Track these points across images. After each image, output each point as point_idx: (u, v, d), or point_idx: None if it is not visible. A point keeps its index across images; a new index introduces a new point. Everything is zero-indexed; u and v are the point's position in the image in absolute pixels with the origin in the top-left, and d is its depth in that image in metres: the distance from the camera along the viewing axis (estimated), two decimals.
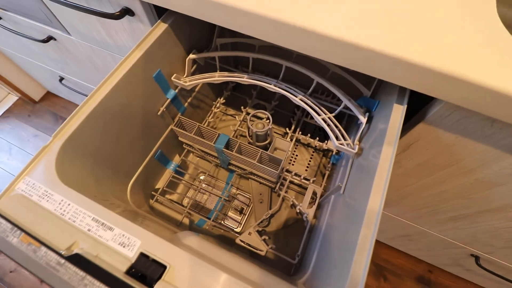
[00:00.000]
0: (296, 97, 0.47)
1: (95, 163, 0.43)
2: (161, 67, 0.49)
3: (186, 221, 0.63)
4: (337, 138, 0.44)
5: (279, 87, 0.48)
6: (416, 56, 0.29)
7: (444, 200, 0.54)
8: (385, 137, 0.34)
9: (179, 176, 0.66)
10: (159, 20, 0.46)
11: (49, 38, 0.72)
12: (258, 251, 0.52)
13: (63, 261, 0.27)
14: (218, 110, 0.73)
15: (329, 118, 0.46)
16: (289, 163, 0.69)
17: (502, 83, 0.27)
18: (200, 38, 0.56)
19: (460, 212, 0.55)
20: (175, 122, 0.57)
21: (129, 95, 0.44)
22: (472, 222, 0.56)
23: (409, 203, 0.62)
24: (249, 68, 0.52)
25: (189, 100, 0.62)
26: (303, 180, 0.59)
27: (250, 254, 0.54)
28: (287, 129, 0.65)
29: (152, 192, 0.61)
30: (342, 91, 0.46)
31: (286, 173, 0.59)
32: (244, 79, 0.49)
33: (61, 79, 1.00)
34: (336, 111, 0.47)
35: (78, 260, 0.27)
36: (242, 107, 0.69)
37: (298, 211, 0.56)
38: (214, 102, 0.73)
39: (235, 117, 0.77)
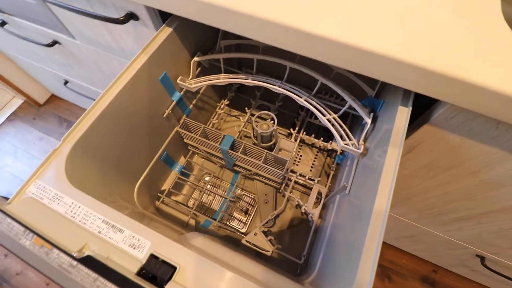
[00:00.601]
0: (301, 98, 0.47)
1: (103, 166, 0.44)
2: (167, 70, 0.49)
3: (192, 222, 0.63)
4: (342, 138, 0.45)
5: (284, 88, 0.48)
6: (421, 59, 0.29)
7: (449, 201, 0.54)
8: (391, 138, 0.35)
9: (185, 177, 0.66)
10: (164, 25, 0.47)
11: (54, 42, 0.72)
12: (264, 252, 0.52)
13: (75, 263, 0.27)
14: (223, 111, 0.73)
15: (334, 118, 0.46)
16: (294, 163, 0.69)
17: (507, 85, 0.27)
18: (204, 40, 0.57)
19: (465, 213, 0.55)
20: (180, 124, 0.58)
21: (136, 98, 0.45)
22: (477, 223, 0.56)
23: (413, 204, 0.62)
24: (253, 69, 0.53)
25: (194, 102, 0.62)
26: (307, 181, 0.59)
27: (256, 255, 0.55)
28: (291, 129, 0.66)
29: (158, 194, 0.62)
30: (346, 92, 0.46)
31: (291, 173, 0.59)
32: (249, 80, 0.50)
33: (66, 82, 1.01)
34: (341, 111, 0.47)
35: (89, 262, 0.28)
36: (246, 108, 0.69)
37: (303, 211, 0.56)
38: (218, 104, 0.74)
39: (239, 118, 0.77)
